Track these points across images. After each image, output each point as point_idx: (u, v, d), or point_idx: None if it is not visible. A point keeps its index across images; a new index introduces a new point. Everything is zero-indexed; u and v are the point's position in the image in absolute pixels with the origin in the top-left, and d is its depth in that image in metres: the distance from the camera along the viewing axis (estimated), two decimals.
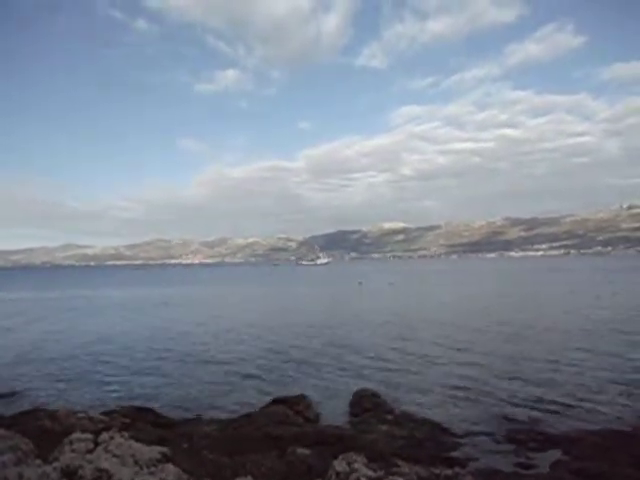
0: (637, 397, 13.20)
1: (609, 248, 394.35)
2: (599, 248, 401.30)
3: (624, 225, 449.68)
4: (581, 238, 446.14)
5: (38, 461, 7.20)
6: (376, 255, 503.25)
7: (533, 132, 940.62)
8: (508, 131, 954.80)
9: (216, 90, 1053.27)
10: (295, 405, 12.03)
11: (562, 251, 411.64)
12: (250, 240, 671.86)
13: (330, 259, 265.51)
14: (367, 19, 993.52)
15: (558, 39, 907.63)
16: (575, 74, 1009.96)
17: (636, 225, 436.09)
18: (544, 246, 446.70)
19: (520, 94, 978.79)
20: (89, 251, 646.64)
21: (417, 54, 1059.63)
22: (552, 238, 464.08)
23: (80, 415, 10.88)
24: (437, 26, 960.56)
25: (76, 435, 7.79)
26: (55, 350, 22.82)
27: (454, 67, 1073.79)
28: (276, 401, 12.56)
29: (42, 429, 9.94)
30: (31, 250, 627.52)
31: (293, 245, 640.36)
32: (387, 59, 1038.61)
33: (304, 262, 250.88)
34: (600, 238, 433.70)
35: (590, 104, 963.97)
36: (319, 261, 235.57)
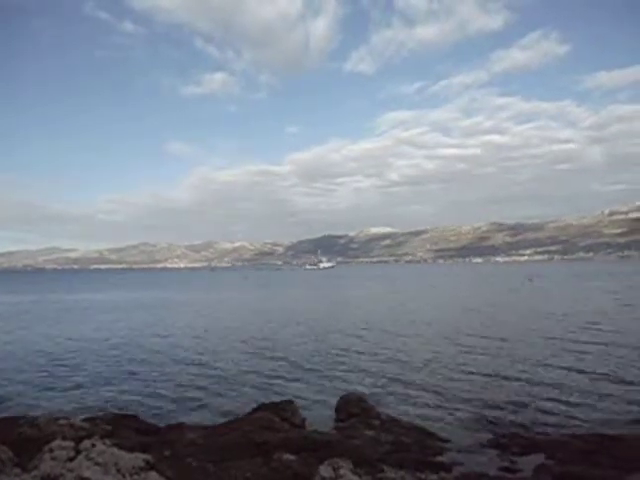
0: (621, 401, 13.40)
1: (591, 254, 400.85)
2: (582, 254, 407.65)
3: (606, 231, 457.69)
4: (564, 244, 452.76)
5: (17, 470, 7.04)
6: (363, 260, 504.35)
7: (518, 138, 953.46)
8: (494, 137, 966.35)
9: (204, 93, 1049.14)
10: (281, 411, 11.93)
11: (546, 256, 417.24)
12: (237, 244, 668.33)
13: (334, 263, 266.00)
14: (355, 24, 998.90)
15: (543, 47, 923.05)
16: (560, 81, 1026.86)
17: (617, 231, 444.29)
18: (528, 251, 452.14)
19: (506, 100, 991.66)
20: (72, 254, 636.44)
21: (405, 60, 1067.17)
22: (536, 243, 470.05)
23: (61, 422, 10.65)
24: (425, 32, 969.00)
25: (57, 443, 7.62)
26: (35, 355, 22.39)
27: (441, 73, 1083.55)
28: (262, 407, 12.46)
29: (22, 437, 9.71)
30: (12, 253, 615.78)
31: (280, 249, 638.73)
32: (375, 64, 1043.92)
33: (308, 266, 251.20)
34: (583, 244, 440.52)
35: (574, 111, 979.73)
36: (322, 265, 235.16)
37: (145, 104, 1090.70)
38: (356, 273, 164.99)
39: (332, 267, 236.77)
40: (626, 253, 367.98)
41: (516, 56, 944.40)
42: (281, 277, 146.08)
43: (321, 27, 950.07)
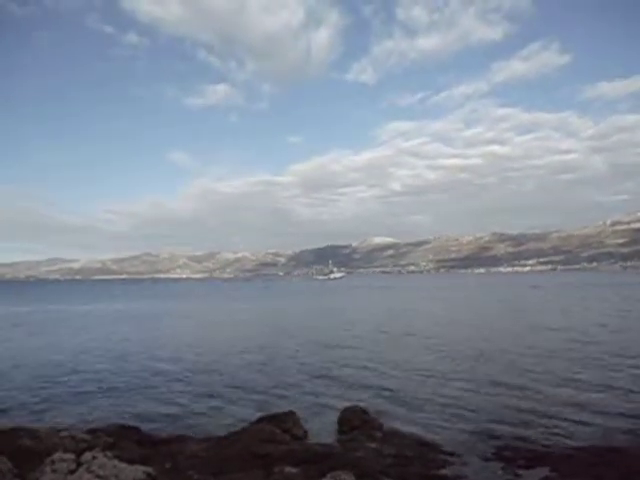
0: (624, 413, 13.28)
1: (594, 264, 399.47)
2: (584, 264, 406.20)
3: (609, 241, 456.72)
4: (567, 254, 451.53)
5: None
6: (365, 270, 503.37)
7: (520, 149, 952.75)
8: (496, 148, 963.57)
9: (206, 104, 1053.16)
10: (283, 422, 11.88)
11: (549, 266, 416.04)
12: (239, 255, 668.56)
13: (344, 274, 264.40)
14: (357, 35, 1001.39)
15: (544, 57, 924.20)
16: (561, 92, 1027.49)
17: (620, 241, 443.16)
18: (531, 262, 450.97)
19: (507, 111, 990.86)
20: (75, 265, 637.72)
21: (406, 70, 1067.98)
22: (539, 254, 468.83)
23: (62, 434, 10.63)
24: (426, 43, 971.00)
25: (58, 455, 7.61)
26: (36, 366, 22.33)
27: (442, 84, 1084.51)
28: (263, 418, 12.40)
29: (22, 448, 9.67)
30: (16, 264, 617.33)
31: (282, 260, 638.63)
32: (376, 75, 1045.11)
33: (319, 277, 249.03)
34: (586, 254, 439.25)
35: (575, 122, 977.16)
36: (332, 275, 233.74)
37: (148, 115, 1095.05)
38: (365, 283, 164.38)
39: (342, 277, 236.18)
40: (629, 263, 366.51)
41: (516, 67, 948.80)
42: (294, 288, 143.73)
43: (323, 38, 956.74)
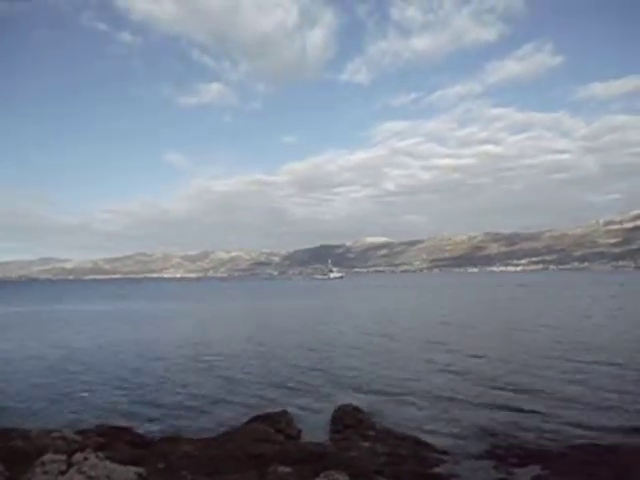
0: (617, 411, 13.38)
1: (586, 263, 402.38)
2: (577, 263, 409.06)
3: (601, 241, 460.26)
4: (559, 253, 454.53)
5: None
6: (359, 270, 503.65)
7: (514, 149, 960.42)
8: (489, 147, 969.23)
9: (200, 103, 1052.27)
10: (276, 422, 11.85)
11: (541, 266, 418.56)
12: (233, 254, 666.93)
13: (343, 274, 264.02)
14: (351, 35, 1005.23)
15: (537, 58, 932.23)
16: (554, 92, 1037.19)
17: (612, 241, 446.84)
18: (524, 261, 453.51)
19: (501, 111, 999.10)
20: (67, 265, 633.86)
21: (400, 70, 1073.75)
22: (532, 253, 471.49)
23: (54, 435, 10.52)
24: (420, 43, 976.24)
25: (49, 456, 7.54)
26: (27, 366, 22.16)
27: (437, 84, 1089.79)
28: (257, 418, 12.37)
29: (13, 450, 9.57)
30: (8, 263, 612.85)
31: (277, 259, 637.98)
32: (371, 75, 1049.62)
33: (318, 276, 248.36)
34: (578, 253, 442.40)
35: (568, 121, 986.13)
36: (332, 275, 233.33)
37: (142, 114, 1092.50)
38: (364, 283, 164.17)
39: (341, 277, 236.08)
40: (621, 263, 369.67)
41: (510, 67, 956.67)
42: (296, 288, 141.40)
43: (317, 38, 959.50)
